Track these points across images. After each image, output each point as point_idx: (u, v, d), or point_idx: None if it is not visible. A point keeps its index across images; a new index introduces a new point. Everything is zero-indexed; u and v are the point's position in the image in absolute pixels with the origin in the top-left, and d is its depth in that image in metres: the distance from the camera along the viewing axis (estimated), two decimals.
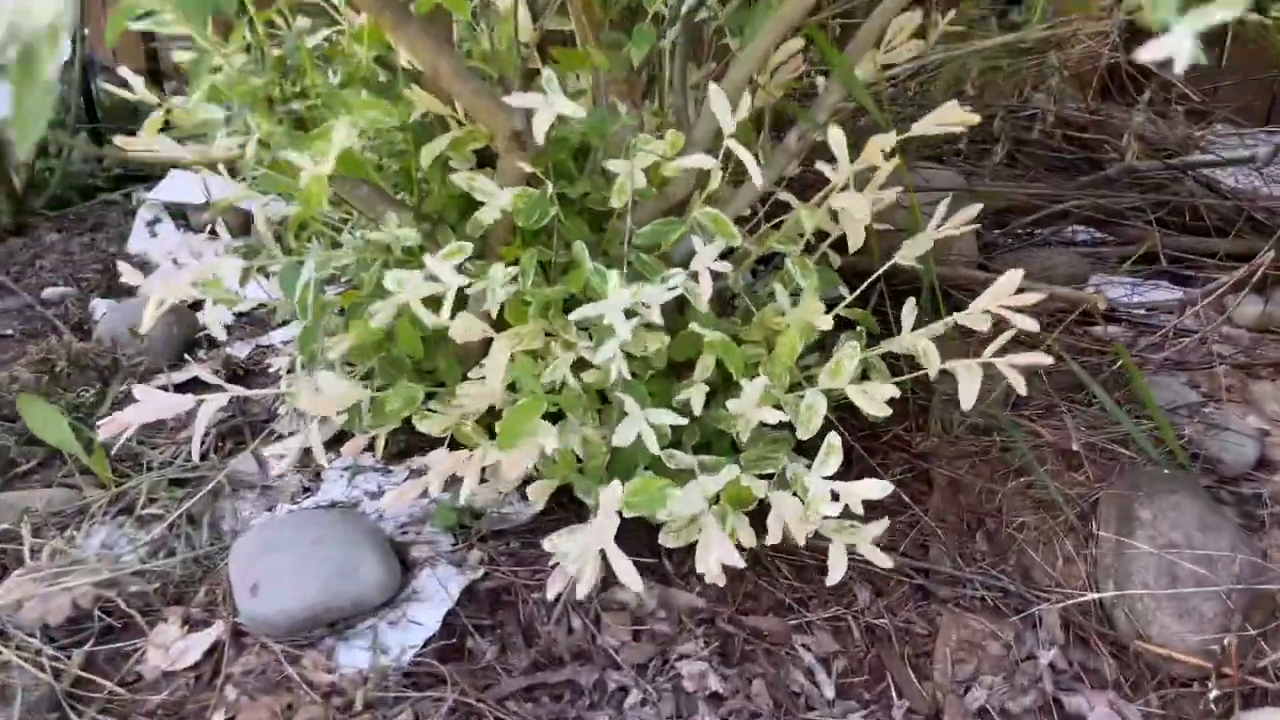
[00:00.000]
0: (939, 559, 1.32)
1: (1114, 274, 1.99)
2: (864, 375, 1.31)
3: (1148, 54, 0.44)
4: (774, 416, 1.08)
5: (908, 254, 1.22)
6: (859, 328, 1.28)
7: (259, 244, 1.36)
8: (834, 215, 1.28)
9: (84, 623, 1.17)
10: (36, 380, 1.65)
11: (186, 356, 1.84)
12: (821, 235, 1.35)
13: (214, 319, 1.21)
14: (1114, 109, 2.23)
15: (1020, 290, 1.12)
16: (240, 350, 1.90)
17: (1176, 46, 0.43)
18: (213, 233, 1.45)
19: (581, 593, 0.93)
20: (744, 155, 1.00)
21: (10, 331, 2.01)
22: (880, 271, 1.25)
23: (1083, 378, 1.39)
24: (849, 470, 1.43)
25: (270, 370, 1.71)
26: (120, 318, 1.90)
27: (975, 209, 1.17)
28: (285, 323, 1.91)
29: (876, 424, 1.51)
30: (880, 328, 1.34)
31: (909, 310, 1.20)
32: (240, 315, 2.16)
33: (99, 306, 2.09)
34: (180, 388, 1.76)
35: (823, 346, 1.43)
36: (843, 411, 1.31)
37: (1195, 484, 1.36)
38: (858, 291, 1.28)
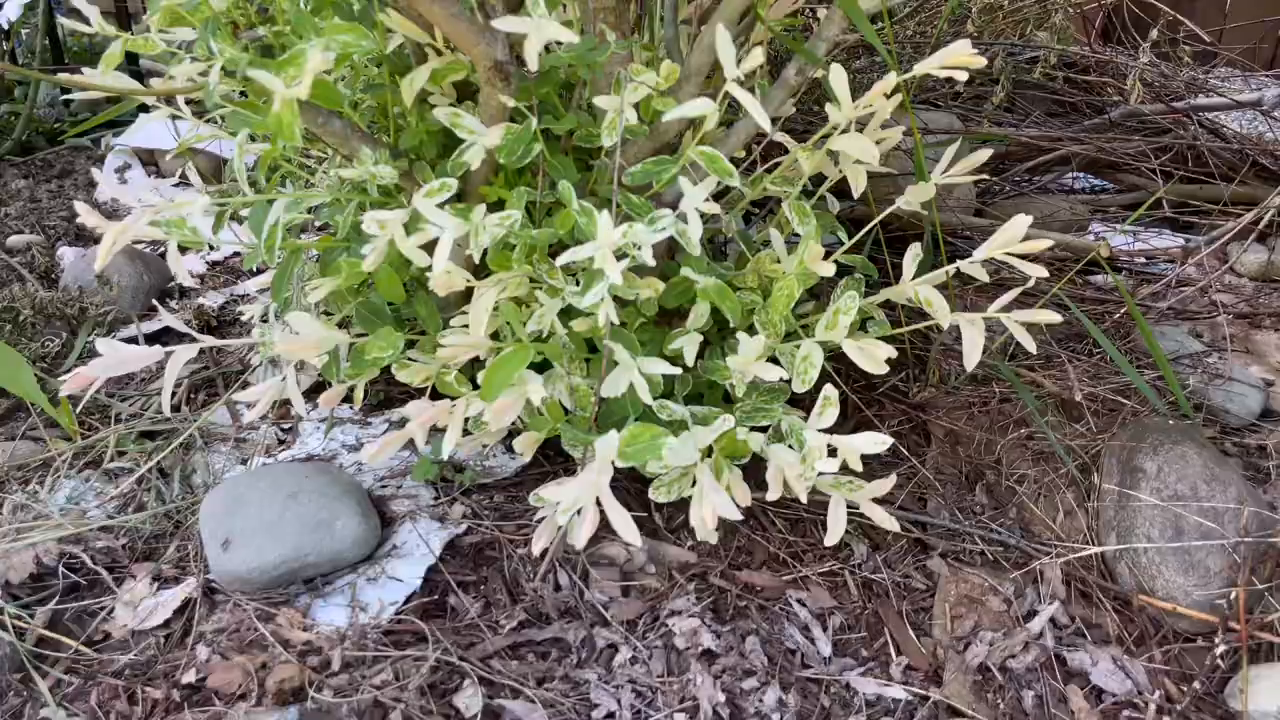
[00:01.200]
0: (937, 512, 1.28)
1: (1115, 221, 1.94)
2: (862, 325, 1.26)
3: None
4: (774, 373, 1.03)
5: (911, 199, 1.16)
6: (856, 274, 1.22)
7: (232, 188, 1.29)
8: (833, 157, 1.23)
9: (48, 580, 1.12)
10: (0, 330, 1.58)
11: (157, 305, 1.77)
12: (818, 179, 1.30)
13: (178, 263, 1.14)
14: (1117, 51, 2.16)
15: (1025, 238, 1.07)
16: (213, 300, 1.83)
17: None
18: (183, 179, 1.38)
19: (580, 544, 0.88)
20: (744, 98, 0.94)
21: None
22: (880, 218, 1.19)
23: (1090, 328, 1.34)
24: (845, 421, 1.39)
25: (243, 320, 1.65)
26: (87, 266, 1.83)
27: (984, 154, 1.11)
28: (259, 271, 1.84)
29: (873, 374, 1.47)
30: (877, 274, 1.29)
31: (911, 257, 1.15)
32: (214, 265, 2.08)
33: (66, 254, 2.01)
34: (151, 338, 1.70)
35: (817, 296, 1.38)
36: (838, 361, 1.26)
37: (1200, 435, 1.32)
38: (856, 239, 1.22)
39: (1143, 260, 1.86)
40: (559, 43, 0.97)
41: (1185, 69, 2.13)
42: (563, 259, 0.95)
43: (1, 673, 1.00)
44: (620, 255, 0.96)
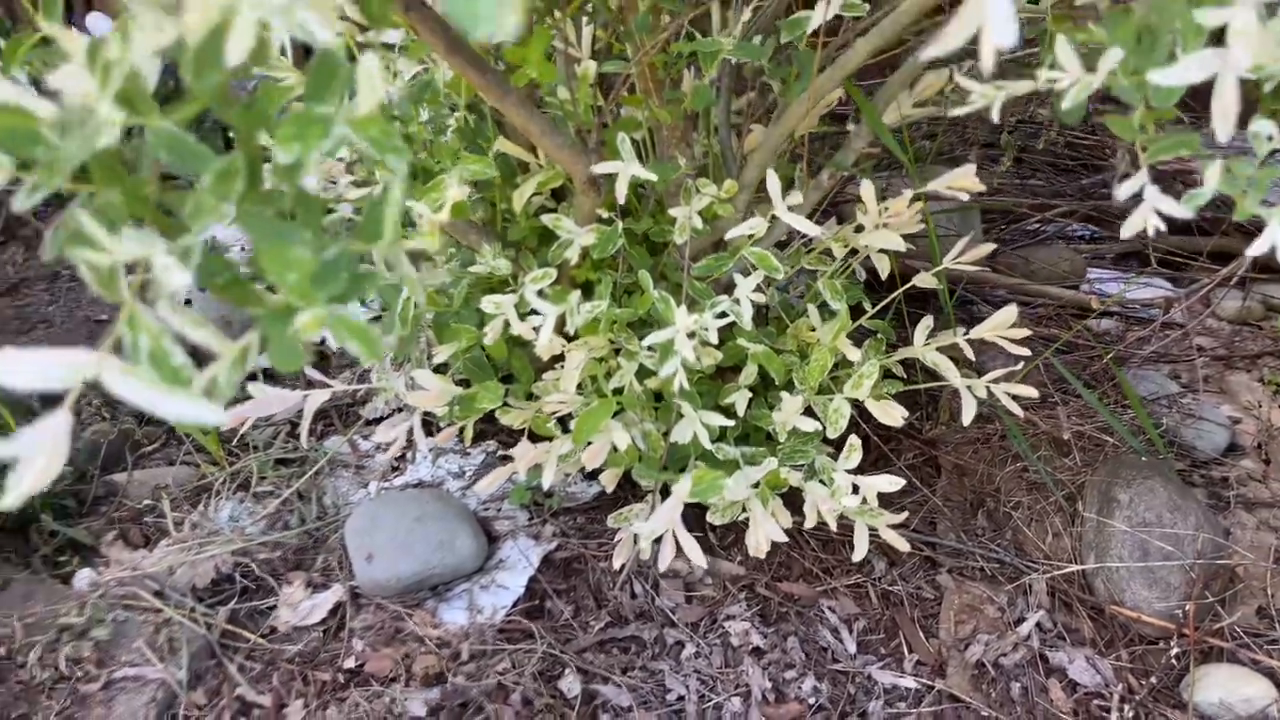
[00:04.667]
0: (945, 534, 1.53)
1: (1109, 269, 2.18)
2: (887, 373, 1.51)
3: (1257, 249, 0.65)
4: (810, 425, 1.28)
5: (925, 280, 1.41)
6: (879, 335, 1.48)
7: None
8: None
9: (225, 585, 1.39)
10: None
11: None
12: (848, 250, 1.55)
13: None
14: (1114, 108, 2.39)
15: (1022, 292, 1.32)
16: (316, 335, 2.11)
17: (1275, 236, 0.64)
18: None
19: (663, 567, 1.14)
20: (792, 220, 1.20)
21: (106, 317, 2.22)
22: (902, 291, 1.44)
23: (1072, 381, 1.59)
24: (867, 454, 1.64)
25: (348, 361, 1.92)
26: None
27: (987, 248, 1.36)
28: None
29: None
30: (897, 322, 1.54)
31: (922, 328, 1.40)
32: None
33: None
34: (269, 373, 1.97)
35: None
36: (862, 404, 1.51)
37: (1168, 469, 1.57)
38: (879, 306, 1.47)
39: (1135, 305, 2.10)
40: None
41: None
42: (648, 340, 1.21)
43: (200, 659, 1.28)
44: (690, 335, 1.22)
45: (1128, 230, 0.79)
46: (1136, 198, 0.81)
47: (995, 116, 0.86)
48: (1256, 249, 0.71)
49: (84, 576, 1.36)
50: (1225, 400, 1.84)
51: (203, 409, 0.40)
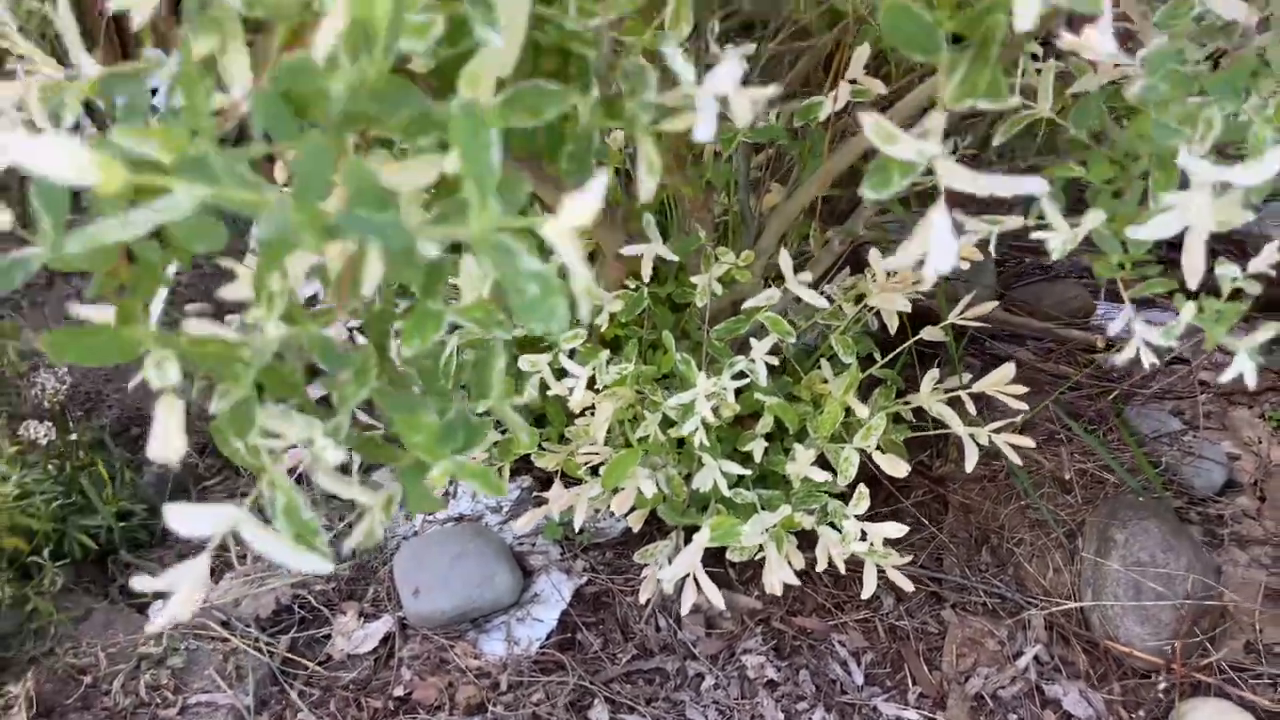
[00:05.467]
0: (951, 569, 1.63)
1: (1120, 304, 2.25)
2: (897, 418, 1.61)
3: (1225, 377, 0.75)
4: (821, 475, 1.39)
5: (932, 333, 1.51)
6: (888, 384, 1.58)
7: None
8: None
9: (285, 615, 1.52)
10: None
11: None
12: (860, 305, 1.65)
13: None
14: None
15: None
16: None
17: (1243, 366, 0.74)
18: None
19: (684, 611, 1.26)
20: (803, 293, 1.31)
21: None
22: (910, 343, 1.54)
23: (1072, 426, 1.68)
24: (879, 491, 1.74)
25: None
26: None
27: (990, 305, 1.45)
28: None
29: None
30: (910, 362, 1.64)
31: (928, 378, 1.50)
32: None
33: None
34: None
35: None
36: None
37: (1164, 509, 1.66)
38: (889, 357, 1.57)
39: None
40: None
41: None
42: (670, 402, 1.32)
43: (264, 686, 1.41)
44: (708, 396, 1.33)
45: (1121, 360, 0.89)
46: None
47: (993, 251, 0.96)
48: (1225, 377, 0.80)
49: (158, 608, 1.50)
50: (1226, 436, 1.92)
51: (318, 562, 0.52)
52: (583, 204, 0.38)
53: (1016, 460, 1.44)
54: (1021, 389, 1.36)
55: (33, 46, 0.67)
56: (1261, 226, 2.26)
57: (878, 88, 1.23)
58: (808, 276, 1.32)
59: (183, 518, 0.51)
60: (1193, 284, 0.71)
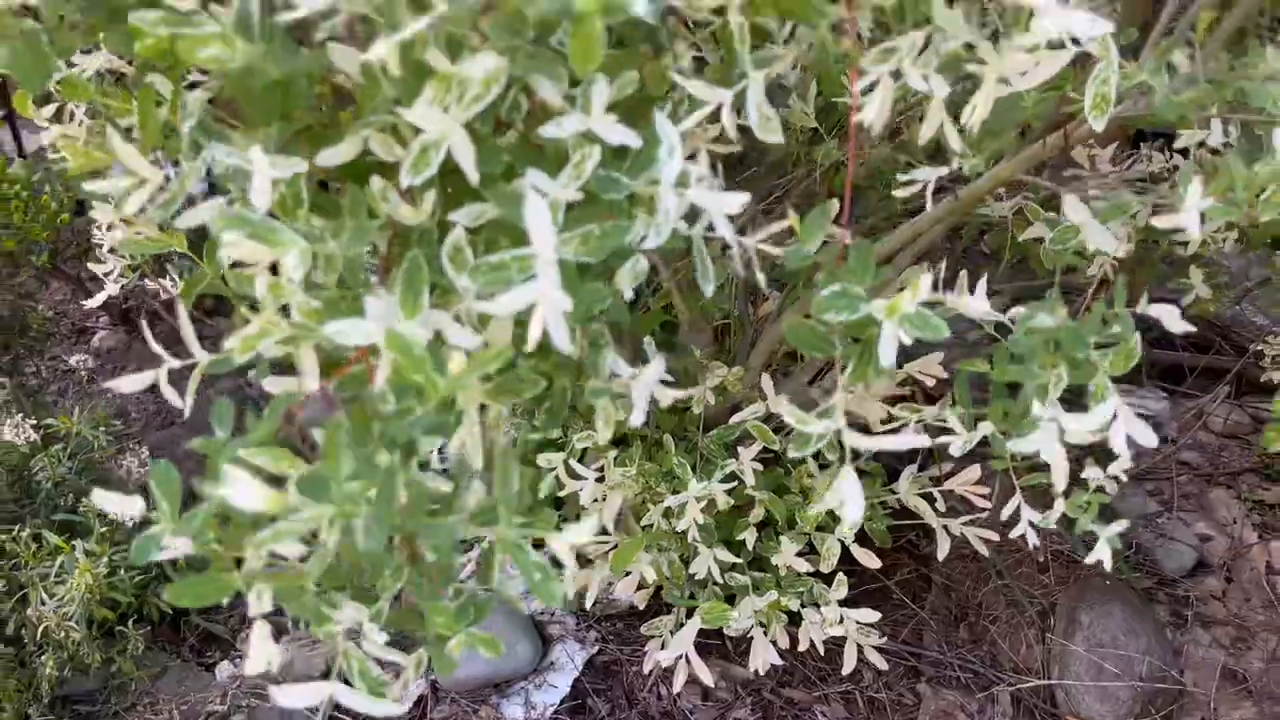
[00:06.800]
0: (930, 645, 1.79)
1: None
2: (882, 503, 1.78)
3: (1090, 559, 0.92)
4: (805, 566, 1.57)
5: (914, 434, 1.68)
6: (872, 476, 1.75)
7: None
8: None
9: None
10: None
11: None
12: None
13: None
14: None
15: None
16: None
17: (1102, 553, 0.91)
18: None
19: (676, 689, 1.44)
20: (784, 411, 1.48)
21: None
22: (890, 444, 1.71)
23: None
24: (865, 571, 1.90)
25: None
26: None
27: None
28: None
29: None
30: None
31: (906, 475, 1.67)
32: None
33: None
34: None
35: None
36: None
37: (1128, 593, 1.80)
38: (874, 451, 1.74)
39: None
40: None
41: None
42: (667, 502, 1.50)
43: None
44: (699, 497, 1.51)
45: (1015, 534, 1.06)
46: None
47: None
48: (1090, 559, 0.97)
49: (224, 669, 1.72)
50: (1202, 517, 2.06)
51: (391, 708, 0.72)
52: (579, 532, 0.59)
53: (984, 551, 1.60)
54: (985, 489, 1.52)
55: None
56: (1245, 315, 2.39)
57: (845, 238, 1.41)
58: (783, 398, 1.50)
59: (291, 695, 0.70)
60: (1060, 488, 0.89)
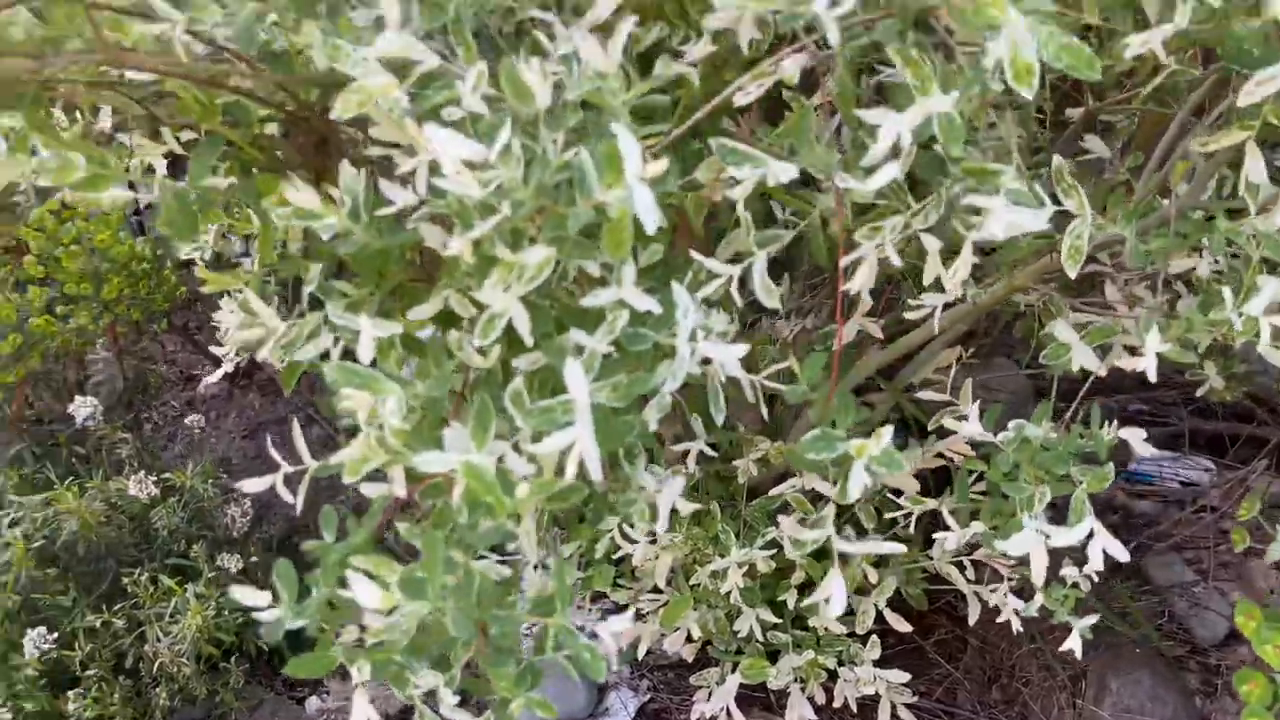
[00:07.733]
0: (963, 704, 1.89)
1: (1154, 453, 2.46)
2: (920, 567, 1.90)
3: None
4: (841, 628, 1.69)
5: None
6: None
7: None
8: None
9: (409, 713, 1.90)
10: None
11: None
12: None
13: None
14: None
15: None
16: None
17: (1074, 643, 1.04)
18: None
19: None
20: (788, 528, 1.62)
21: None
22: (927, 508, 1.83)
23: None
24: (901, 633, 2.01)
25: None
26: None
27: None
28: None
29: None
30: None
31: (939, 541, 1.78)
32: None
33: None
34: None
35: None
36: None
37: (1158, 661, 1.87)
38: (911, 518, 1.86)
39: (1176, 486, 2.38)
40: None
41: None
42: (710, 567, 1.65)
43: None
44: (741, 563, 1.65)
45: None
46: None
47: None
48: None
49: (313, 703, 1.91)
50: (1239, 586, 2.11)
51: None
52: (621, 621, 0.75)
53: (1016, 623, 1.70)
54: (1012, 559, 1.63)
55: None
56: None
57: (875, 330, 1.55)
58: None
59: None
60: (1039, 582, 1.02)
